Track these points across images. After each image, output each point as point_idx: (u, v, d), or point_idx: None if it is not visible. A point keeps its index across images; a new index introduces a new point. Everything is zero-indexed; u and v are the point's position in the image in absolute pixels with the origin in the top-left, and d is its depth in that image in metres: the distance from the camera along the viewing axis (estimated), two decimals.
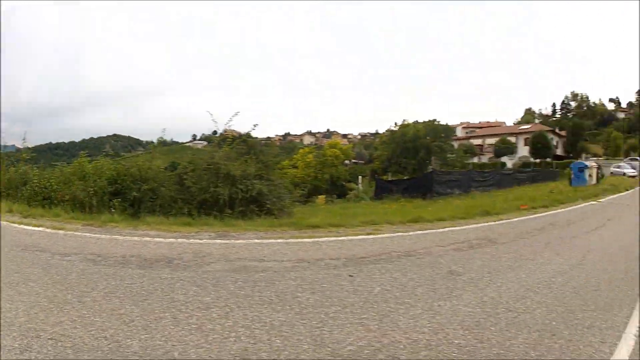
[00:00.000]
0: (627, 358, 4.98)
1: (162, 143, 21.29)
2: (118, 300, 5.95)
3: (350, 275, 7.54)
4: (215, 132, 17.56)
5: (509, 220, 16.25)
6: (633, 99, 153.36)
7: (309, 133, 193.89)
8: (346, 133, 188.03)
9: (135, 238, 10.32)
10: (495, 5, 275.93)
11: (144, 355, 4.43)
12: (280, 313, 5.62)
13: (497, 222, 15.59)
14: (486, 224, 15.14)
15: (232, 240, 10.40)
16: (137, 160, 15.66)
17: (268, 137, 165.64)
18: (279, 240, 10.53)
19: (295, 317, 5.52)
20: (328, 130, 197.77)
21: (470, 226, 14.37)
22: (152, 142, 20.39)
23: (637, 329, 5.81)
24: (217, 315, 5.50)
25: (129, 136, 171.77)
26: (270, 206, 14.54)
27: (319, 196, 44.49)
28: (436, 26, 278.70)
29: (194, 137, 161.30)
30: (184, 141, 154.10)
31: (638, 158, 79.79)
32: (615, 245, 12.10)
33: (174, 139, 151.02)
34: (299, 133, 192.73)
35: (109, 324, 5.10)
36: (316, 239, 10.86)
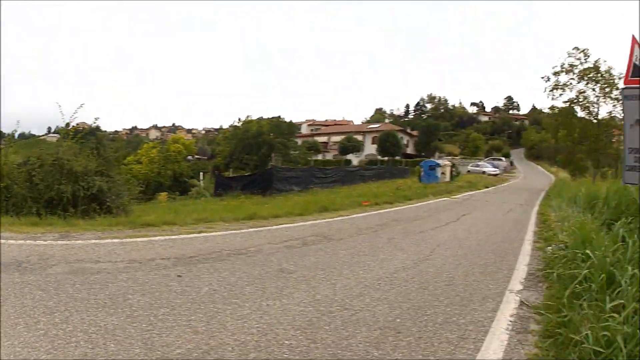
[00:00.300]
0: (502, 354, 5.01)
1: (21, 136, 20.57)
2: None
3: (178, 276, 7.50)
4: (68, 125, 16.75)
5: (348, 217, 16.81)
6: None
7: (155, 127, 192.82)
8: (191, 128, 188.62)
9: None
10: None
11: None
12: (114, 316, 5.56)
13: (335, 219, 16.04)
14: (324, 220, 15.57)
15: (73, 241, 10.13)
16: None
17: (115, 131, 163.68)
18: (115, 240, 10.38)
19: (127, 320, 5.47)
20: (174, 124, 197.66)
21: (307, 223, 14.72)
22: (9, 135, 19.26)
23: (509, 322, 5.89)
24: (59, 320, 5.39)
25: None
26: (110, 204, 14.44)
27: (161, 193, 44.65)
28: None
29: (49, 129, 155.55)
30: (40, 134, 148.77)
31: (502, 158, 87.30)
32: (472, 239, 12.52)
33: (32, 132, 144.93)
34: (145, 127, 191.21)
35: None
36: (150, 238, 10.81)
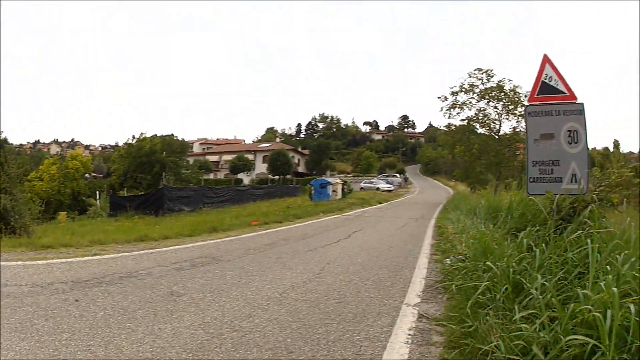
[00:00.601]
0: None
1: None
2: None
3: (76, 300, 7.42)
4: None
5: (237, 237, 16.82)
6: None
7: (56, 142, 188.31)
8: (89, 144, 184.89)
9: None
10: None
11: None
12: (25, 341, 5.48)
13: (224, 239, 16.09)
14: (212, 241, 15.56)
15: None
16: None
17: (20, 145, 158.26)
18: (19, 263, 10.46)
19: (36, 345, 5.41)
20: (72, 139, 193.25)
21: (196, 244, 14.67)
22: None
23: (408, 336, 5.86)
24: None
25: None
26: (14, 224, 14.35)
27: (61, 212, 43.59)
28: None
29: None
30: None
31: (396, 174, 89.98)
32: (364, 255, 12.58)
33: None
34: (48, 141, 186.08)
35: None
36: (48, 261, 10.79)
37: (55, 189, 59.76)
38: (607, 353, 3.87)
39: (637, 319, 4.12)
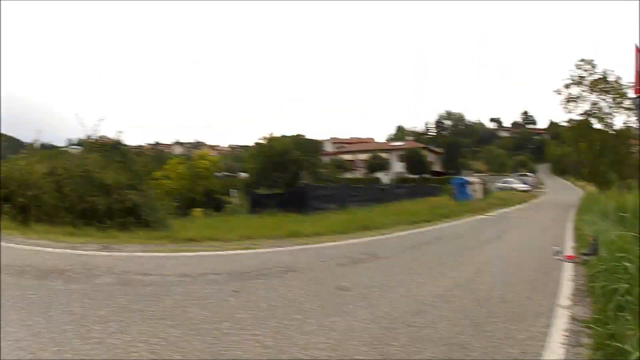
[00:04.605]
0: None
1: (42, 146, 21.23)
2: (25, 311, 5.91)
3: (234, 291, 7.51)
4: (89, 137, 17.22)
5: (391, 235, 16.78)
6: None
7: (178, 143, 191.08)
8: (214, 144, 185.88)
9: (27, 247, 10.62)
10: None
11: None
12: (174, 329, 5.53)
13: (378, 237, 16.02)
14: (367, 238, 15.53)
15: (116, 253, 10.61)
16: (18, 164, 15.56)
17: (140, 145, 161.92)
18: (160, 254, 10.75)
19: (190, 332, 5.43)
20: (196, 140, 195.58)
21: (351, 241, 14.69)
22: (29, 145, 19.93)
23: (563, 337, 5.78)
24: (114, 329, 5.38)
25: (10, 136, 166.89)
26: (147, 218, 14.79)
27: (196, 209, 43.52)
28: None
29: (69, 141, 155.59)
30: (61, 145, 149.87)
31: (529, 174, 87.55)
32: (515, 257, 12.57)
33: (53, 143, 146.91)
34: (168, 142, 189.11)
35: (20, 335, 4.99)
36: (196, 253, 11.08)
37: (186, 187, 58.83)
38: None
39: None
